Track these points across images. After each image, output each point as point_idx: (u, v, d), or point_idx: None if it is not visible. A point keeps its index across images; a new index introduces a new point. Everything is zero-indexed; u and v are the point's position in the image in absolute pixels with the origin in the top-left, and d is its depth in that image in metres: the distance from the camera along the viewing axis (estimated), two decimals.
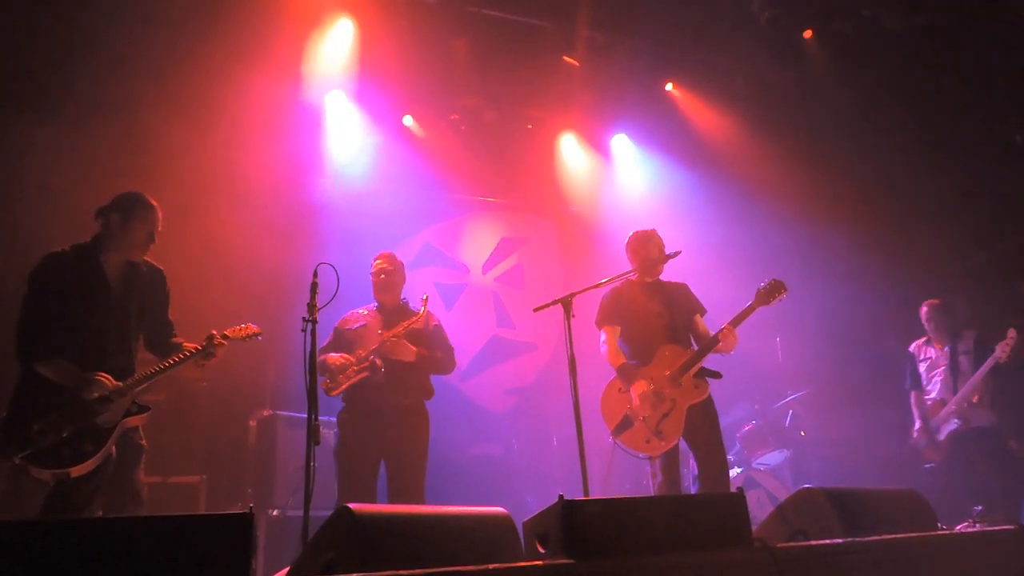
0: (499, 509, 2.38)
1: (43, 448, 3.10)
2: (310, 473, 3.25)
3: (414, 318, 4.44)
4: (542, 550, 2.26)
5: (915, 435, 5.60)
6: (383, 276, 4.62)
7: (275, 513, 5.07)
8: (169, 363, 3.54)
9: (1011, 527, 2.66)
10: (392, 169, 7.25)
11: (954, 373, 5.40)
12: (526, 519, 2.48)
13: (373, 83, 6.85)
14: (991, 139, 6.49)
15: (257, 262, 6.02)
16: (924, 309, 5.65)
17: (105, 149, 5.75)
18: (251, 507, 1.88)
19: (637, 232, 4.61)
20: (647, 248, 4.50)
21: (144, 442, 3.56)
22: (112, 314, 3.54)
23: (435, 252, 7.84)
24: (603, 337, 4.45)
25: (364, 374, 4.29)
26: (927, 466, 5.48)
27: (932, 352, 5.63)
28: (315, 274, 3.72)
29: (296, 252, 6.00)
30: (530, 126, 7.76)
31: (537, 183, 8.09)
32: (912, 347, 5.79)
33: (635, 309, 4.43)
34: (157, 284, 3.83)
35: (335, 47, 6.46)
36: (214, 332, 3.69)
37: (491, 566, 1.93)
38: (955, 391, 5.33)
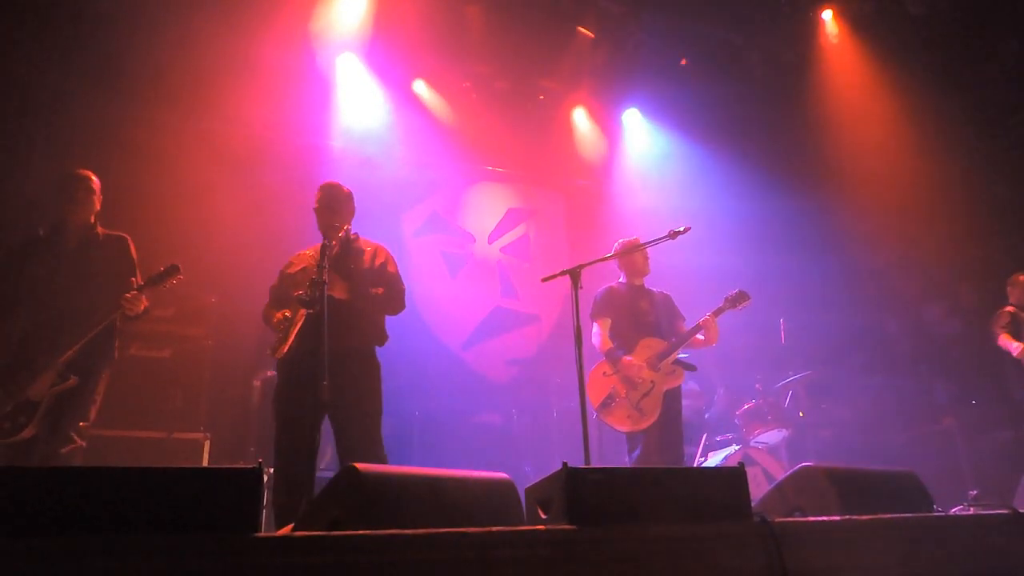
0: (502, 475, 2.40)
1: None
2: (314, 433, 3.29)
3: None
4: (544, 516, 2.29)
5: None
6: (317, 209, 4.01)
7: None
8: (89, 330, 3.65)
9: (1006, 511, 2.68)
10: (402, 135, 7.21)
11: None
12: (526, 486, 2.50)
13: (385, 47, 6.78)
14: (1007, 127, 6.44)
15: (264, 225, 6.01)
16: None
17: (111, 112, 5.72)
18: (260, 462, 1.90)
19: (624, 241, 4.91)
20: (633, 255, 4.88)
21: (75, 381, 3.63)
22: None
23: (442, 221, 7.82)
24: (595, 328, 4.82)
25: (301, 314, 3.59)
26: None
27: None
28: (325, 237, 3.73)
29: (303, 216, 5.98)
30: (542, 97, 7.71)
31: (547, 154, 8.04)
32: (1005, 309, 5.76)
33: (625, 306, 4.88)
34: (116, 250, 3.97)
35: (348, 9, 6.39)
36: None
37: (494, 529, 1.95)
38: None
